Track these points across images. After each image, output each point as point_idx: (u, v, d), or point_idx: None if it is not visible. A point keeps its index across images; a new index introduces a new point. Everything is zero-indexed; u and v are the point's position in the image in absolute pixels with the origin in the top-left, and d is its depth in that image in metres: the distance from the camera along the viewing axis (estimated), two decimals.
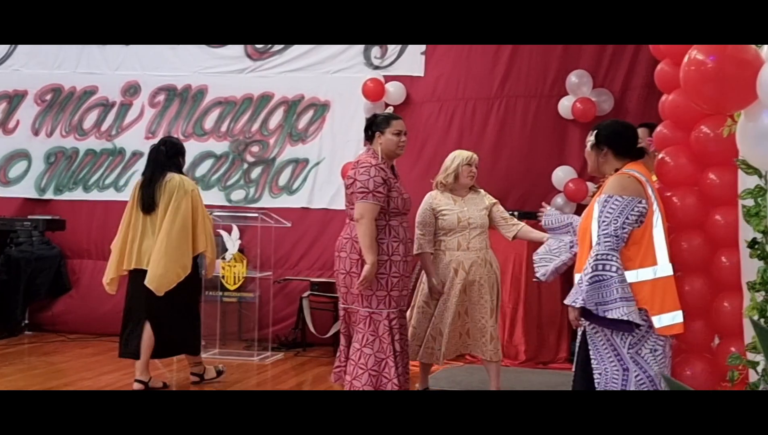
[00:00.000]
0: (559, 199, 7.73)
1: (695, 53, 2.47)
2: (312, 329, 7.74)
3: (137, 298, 6.12)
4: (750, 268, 3.44)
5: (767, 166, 2.67)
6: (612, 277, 3.70)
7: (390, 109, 5.52)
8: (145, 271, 6.01)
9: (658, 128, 4.16)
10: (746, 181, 3.30)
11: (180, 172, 6.29)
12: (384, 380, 4.97)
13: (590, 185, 7.60)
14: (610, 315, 3.71)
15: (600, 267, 3.72)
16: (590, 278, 3.72)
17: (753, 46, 2.51)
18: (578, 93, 7.82)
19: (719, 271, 3.89)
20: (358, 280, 4.93)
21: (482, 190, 5.92)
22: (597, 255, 3.74)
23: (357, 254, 4.95)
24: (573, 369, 4.24)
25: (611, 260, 3.72)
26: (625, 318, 3.66)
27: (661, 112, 4.15)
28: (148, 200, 6.08)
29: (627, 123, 4.19)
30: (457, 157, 5.82)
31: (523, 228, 5.77)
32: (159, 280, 5.95)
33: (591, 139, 4.06)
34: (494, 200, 5.89)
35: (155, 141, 8.66)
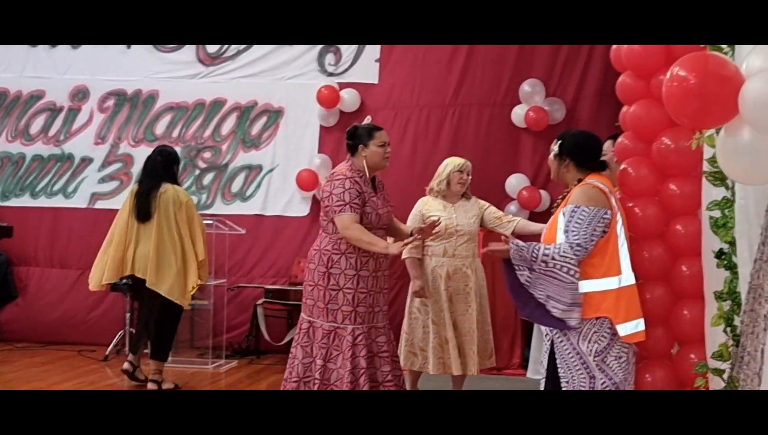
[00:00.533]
0: (512, 207, 7.81)
1: (677, 69, 2.52)
2: (266, 337, 7.70)
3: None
4: (713, 278, 3.52)
5: (748, 181, 2.73)
6: (573, 283, 3.76)
7: (369, 121, 5.33)
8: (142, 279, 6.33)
9: (620, 139, 4.23)
10: (711, 193, 3.37)
11: (175, 181, 6.49)
12: None
13: (544, 193, 7.72)
14: (554, 312, 3.78)
15: (564, 269, 3.77)
16: (548, 270, 3.76)
17: (732, 62, 2.57)
18: (531, 102, 7.91)
19: (679, 280, 3.97)
20: (324, 292, 4.86)
21: (474, 197, 5.92)
22: (565, 257, 3.76)
23: (324, 267, 4.88)
24: (527, 375, 4.28)
25: (574, 267, 3.77)
26: (563, 318, 3.77)
27: (622, 123, 4.22)
28: (143, 210, 6.33)
29: (592, 134, 4.20)
30: (449, 164, 5.82)
31: (520, 222, 5.80)
32: (179, 290, 6.29)
33: (555, 148, 4.10)
34: (486, 204, 5.90)
35: (105, 146, 8.71)
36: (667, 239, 4.01)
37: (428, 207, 5.75)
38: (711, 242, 3.47)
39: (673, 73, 2.52)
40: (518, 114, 7.96)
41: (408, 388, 5.72)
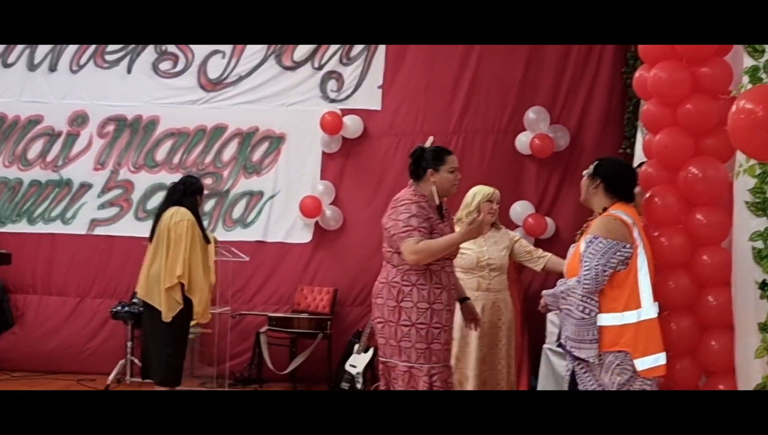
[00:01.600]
0: (517, 234, 7.75)
1: (743, 102, 2.50)
2: (270, 365, 7.59)
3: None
4: (746, 308, 3.48)
5: None
6: (586, 319, 3.76)
7: (431, 142, 4.84)
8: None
9: (644, 167, 4.21)
10: (750, 223, 3.34)
11: (194, 208, 6.51)
12: None
13: (549, 220, 7.69)
14: (579, 354, 3.78)
15: (584, 309, 3.78)
16: (579, 320, 3.77)
17: None
18: (536, 129, 7.90)
19: (706, 310, 3.94)
20: (395, 328, 4.43)
21: (504, 228, 5.68)
22: (582, 297, 3.78)
23: (394, 301, 4.43)
24: None
25: (589, 304, 3.77)
26: (592, 360, 3.78)
27: (647, 152, 4.20)
28: (151, 232, 6.49)
29: (630, 166, 4.21)
30: (479, 193, 5.50)
31: (551, 258, 5.48)
32: (163, 308, 6.31)
33: (591, 168, 4.05)
34: (517, 236, 5.68)
35: (104, 172, 8.63)
36: (693, 269, 3.98)
37: None
38: (745, 272, 3.44)
39: (738, 105, 2.50)
40: (523, 141, 7.95)
41: None
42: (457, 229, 5.40)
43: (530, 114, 7.93)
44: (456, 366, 5.32)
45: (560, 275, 4.42)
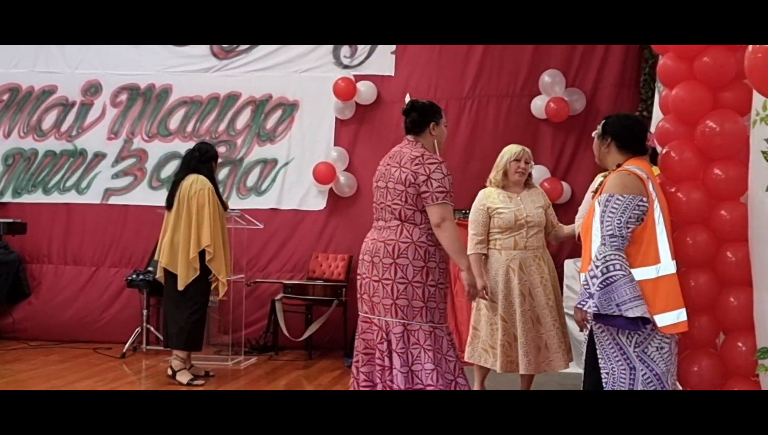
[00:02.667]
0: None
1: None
2: (285, 332, 7.59)
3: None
4: (760, 262, 3.41)
5: None
6: (623, 276, 3.63)
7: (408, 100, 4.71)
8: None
9: (660, 123, 4.12)
10: (762, 174, 3.25)
11: (210, 175, 6.59)
12: None
13: (565, 185, 7.59)
14: (630, 314, 3.62)
15: (610, 268, 3.65)
16: (602, 282, 3.63)
17: None
18: (551, 93, 7.82)
19: (725, 266, 3.85)
20: (422, 290, 4.34)
21: (538, 187, 5.64)
22: (605, 257, 3.66)
23: (422, 261, 4.35)
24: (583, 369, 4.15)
25: (618, 260, 3.66)
26: (645, 316, 3.60)
27: (663, 107, 4.11)
28: (168, 200, 6.55)
29: (636, 117, 4.13)
30: (506, 152, 5.49)
31: (558, 229, 5.50)
32: (181, 276, 6.40)
33: (598, 129, 4.00)
34: (549, 202, 5.61)
35: (118, 142, 8.62)
36: (711, 225, 3.89)
37: (492, 200, 5.39)
38: (761, 225, 3.36)
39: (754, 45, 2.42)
40: (538, 105, 7.86)
41: (476, 384, 5.51)
42: (491, 189, 5.47)
43: (545, 77, 7.84)
44: (503, 328, 5.29)
45: (570, 241, 4.35)
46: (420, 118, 4.51)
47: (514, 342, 5.29)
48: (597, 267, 3.66)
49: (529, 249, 5.34)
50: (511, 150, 5.51)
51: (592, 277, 3.67)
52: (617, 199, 3.70)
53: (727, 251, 3.84)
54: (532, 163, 5.56)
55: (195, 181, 6.47)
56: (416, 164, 4.36)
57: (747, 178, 3.76)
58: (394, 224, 4.43)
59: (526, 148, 5.53)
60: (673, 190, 3.93)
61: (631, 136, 3.92)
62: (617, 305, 3.60)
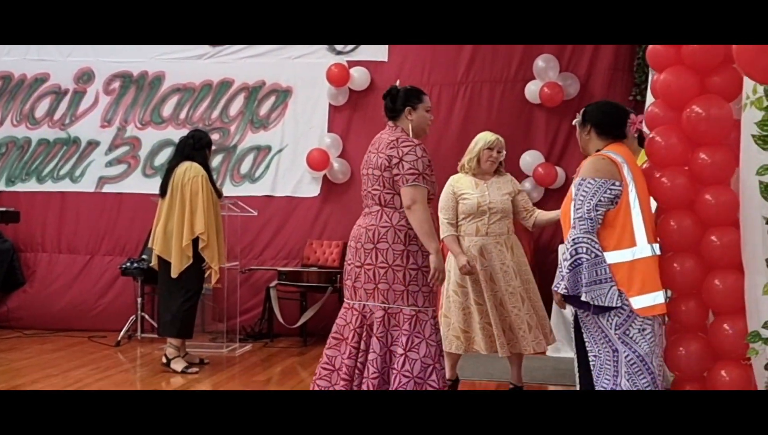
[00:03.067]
0: (527, 184, 7.70)
1: None
2: (280, 319, 7.60)
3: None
4: (755, 246, 3.40)
5: None
6: (587, 260, 3.68)
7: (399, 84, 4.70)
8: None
9: (650, 107, 4.11)
10: (757, 158, 3.23)
11: (204, 162, 6.60)
12: (429, 389, 4.31)
13: (560, 170, 7.59)
14: (584, 298, 3.68)
15: (579, 250, 3.70)
16: (570, 264, 3.69)
17: None
18: (545, 77, 7.80)
19: (710, 250, 3.85)
20: (402, 274, 4.36)
21: (509, 175, 5.63)
22: (574, 239, 3.72)
23: (402, 245, 4.36)
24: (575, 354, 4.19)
25: (586, 243, 3.70)
26: (595, 302, 3.65)
27: (653, 91, 4.10)
28: (162, 187, 6.57)
29: (616, 103, 4.15)
30: (480, 139, 5.50)
31: (539, 214, 5.49)
32: (174, 264, 6.43)
33: (579, 118, 4.02)
34: (519, 187, 5.61)
35: (111, 129, 8.61)
36: (697, 209, 3.89)
37: (460, 185, 5.45)
38: (752, 209, 3.35)
39: None
40: (532, 90, 7.85)
41: (447, 370, 5.45)
42: (461, 175, 5.48)
43: (539, 62, 7.82)
44: (478, 310, 5.37)
45: (553, 225, 4.35)
46: (393, 104, 4.54)
47: (489, 326, 5.37)
48: (567, 250, 3.71)
49: (491, 235, 5.38)
50: (485, 137, 5.51)
51: (564, 260, 3.73)
52: (589, 182, 3.75)
53: (712, 235, 3.84)
54: (504, 152, 5.55)
55: (189, 169, 6.48)
56: (390, 148, 4.39)
57: (732, 163, 3.77)
58: (375, 210, 4.46)
59: (500, 137, 5.53)
60: (658, 175, 3.93)
61: (609, 123, 3.96)
62: (582, 288, 3.65)
